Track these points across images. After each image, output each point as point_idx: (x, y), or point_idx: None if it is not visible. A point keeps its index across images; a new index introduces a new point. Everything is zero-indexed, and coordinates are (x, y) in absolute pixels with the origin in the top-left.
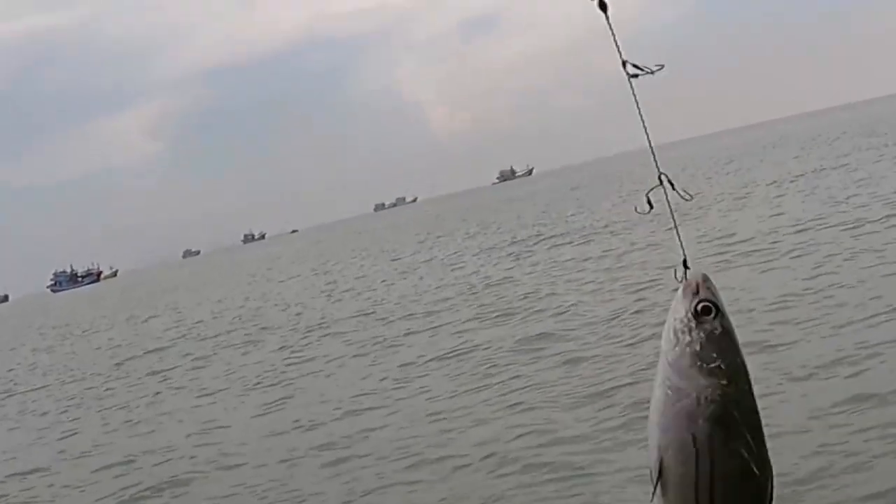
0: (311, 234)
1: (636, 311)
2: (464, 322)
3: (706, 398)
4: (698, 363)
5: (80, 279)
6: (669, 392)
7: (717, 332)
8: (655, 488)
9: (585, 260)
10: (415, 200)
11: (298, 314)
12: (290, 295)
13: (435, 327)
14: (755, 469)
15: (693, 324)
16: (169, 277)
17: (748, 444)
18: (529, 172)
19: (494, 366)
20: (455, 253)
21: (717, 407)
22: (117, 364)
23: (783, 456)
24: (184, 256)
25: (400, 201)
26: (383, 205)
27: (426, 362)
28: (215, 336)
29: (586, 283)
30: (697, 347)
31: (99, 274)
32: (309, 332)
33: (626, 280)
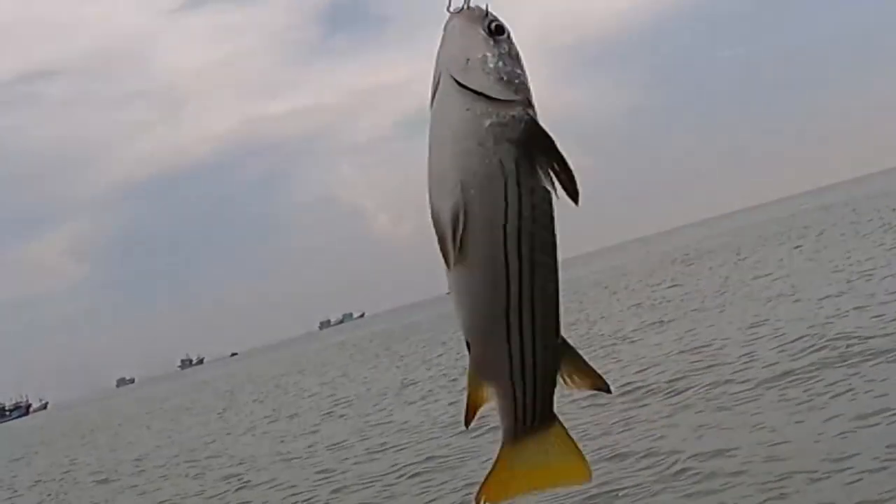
0: (251, 358)
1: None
2: None
3: (514, 117)
4: (504, 79)
5: (7, 413)
6: (468, 111)
7: (514, 50)
8: (456, 244)
9: None
10: (362, 316)
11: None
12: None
13: None
14: (573, 198)
15: (492, 41)
16: (98, 411)
17: (556, 169)
18: None
19: None
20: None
21: (528, 126)
22: None
23: None
24: (118, 385)
25: (347, 317)
26: (329, 322)
27: None
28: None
29: None
30: (501, 63)
31: (28, 407)
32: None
33: None
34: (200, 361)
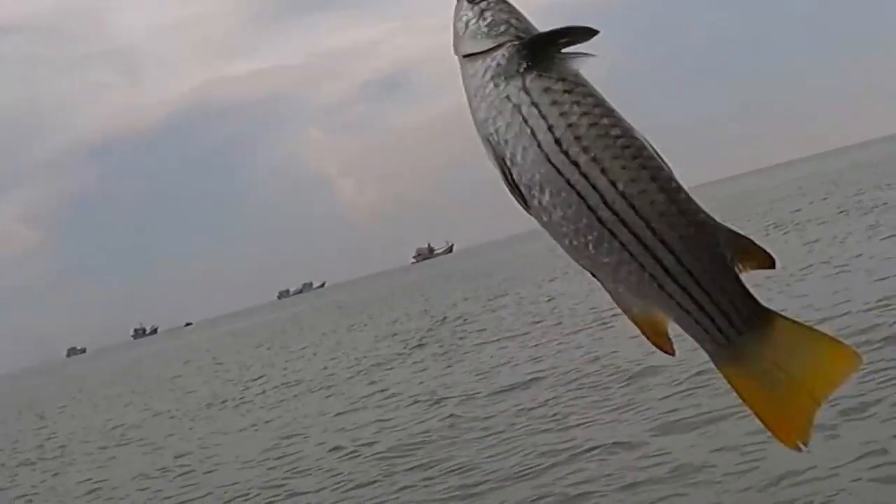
0: (206, 328)
1: None
2: None
3: (504, 56)
4: (485, 31)
5: None
6: (472, 76)
7: (493, 1)
8: (516, 193)
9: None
10: (322, 286)
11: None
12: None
13: None
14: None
15: (472, 5)
16: (46, 382)
17: (561, 59)
18: (450, 250)
19: None
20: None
21: (519, 55)
22: None
23: None
24: (68, 355)
25: (306, 287)
26: (288, 291)
27: None
28: None
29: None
30: (480, 20)
31: None
32: None
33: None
34: (154, 331)
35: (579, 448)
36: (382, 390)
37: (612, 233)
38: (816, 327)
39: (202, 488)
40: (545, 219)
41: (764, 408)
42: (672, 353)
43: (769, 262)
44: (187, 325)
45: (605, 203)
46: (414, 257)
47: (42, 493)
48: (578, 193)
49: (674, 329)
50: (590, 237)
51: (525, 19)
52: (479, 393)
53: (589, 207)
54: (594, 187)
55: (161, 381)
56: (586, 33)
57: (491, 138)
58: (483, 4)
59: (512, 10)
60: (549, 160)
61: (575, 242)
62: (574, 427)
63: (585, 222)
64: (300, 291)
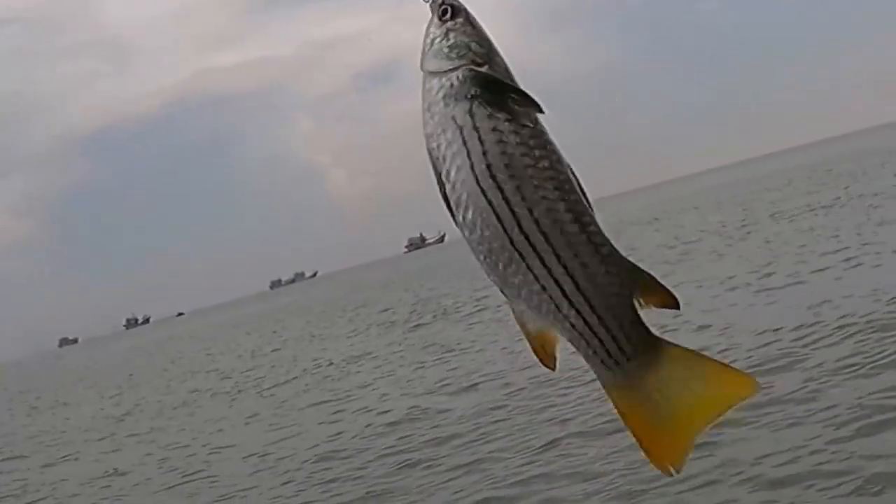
0: (198, 318)
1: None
2: None
3: (458, 78)
4: (446, 51)
5: None
6: (429, 91)
7: (463, 24)
8: (448, 208)
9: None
10: (315, 275)
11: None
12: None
13: None
14: (537, 109)
15: (440, 24)
16: (37, 373)
17: (511, 100)
18: (441, 239)
19: None
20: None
21: (472, 82)
22: None
23: None
24: (60, 345)
25: (299, 277)
26: (280, 281)
27: None
28: None
29: None
30: (445, 40)
31: None
32: None
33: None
34: (146, 321)
35: (574, 430)
36: (371, 382)
37: (521, 255)
38: (710, 355)
39: (193, 479)
40: (467, 234)
41: (642, 432)
42: (552, 369)
43: (672, 302)
44: (179, 314)
45: (520, 228)
46: (406, 247)
47: (34, 484)
48: (497, 217)
49: (565, 346)
50: (502, 257)
51: (488, 44)
52: (473, 382)
53: (505, 231)
54: (512, 213)
55: (153, 370)
56: (533, 106)
57: (433, 152)
58: (450, 24)
59: (477, 34)
60: (477, 182)
61: (489, 260)
62: (567, 411)
63: (499, 244)
64: (292, 281)
